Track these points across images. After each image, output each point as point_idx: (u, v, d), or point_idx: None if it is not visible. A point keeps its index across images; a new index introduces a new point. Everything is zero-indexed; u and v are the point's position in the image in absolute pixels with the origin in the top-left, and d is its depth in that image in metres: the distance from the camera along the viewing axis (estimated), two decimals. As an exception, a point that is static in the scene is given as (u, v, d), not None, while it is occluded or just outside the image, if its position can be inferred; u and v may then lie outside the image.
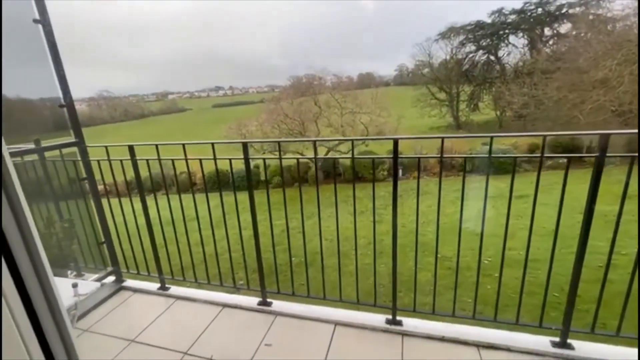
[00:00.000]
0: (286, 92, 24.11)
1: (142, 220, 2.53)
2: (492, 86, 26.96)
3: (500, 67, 27.59)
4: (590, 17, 19.88)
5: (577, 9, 22.64)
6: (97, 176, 2.55)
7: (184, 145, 2.14)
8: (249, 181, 2.14)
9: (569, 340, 1.82)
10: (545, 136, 1.61)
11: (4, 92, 2.08)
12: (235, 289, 2.50)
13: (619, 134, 1.54)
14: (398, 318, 2.09)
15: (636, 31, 14.86)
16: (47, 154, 2.37)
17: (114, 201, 2.67)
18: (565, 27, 23.93)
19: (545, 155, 1.61)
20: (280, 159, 2.19)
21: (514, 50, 27.22)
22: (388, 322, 2.09)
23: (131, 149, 2.29)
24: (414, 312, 2.13)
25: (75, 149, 2.41)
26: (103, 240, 2.69)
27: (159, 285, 2.66)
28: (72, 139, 2.37)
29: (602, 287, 1.75)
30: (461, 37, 28.33)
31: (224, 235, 2.38)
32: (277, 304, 2.36)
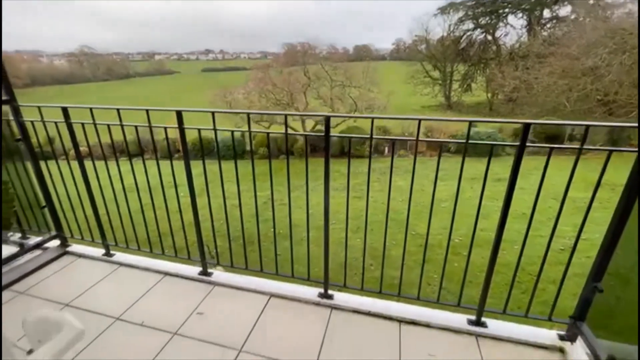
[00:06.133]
0: (278, 60, 23.28)
1: (82, 185, 2.46)
2: (487, 67, 26.64)
3: (496, 47, 27.11)
4: (591, 1, 19.43)
5: (579, -9, 22.06)
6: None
7: (118, 110, 2.04)
8: (185, 151, 2.08)
9: (483, 319, 1.91)
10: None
11: None
12: (177, 258, 2.51)
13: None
14: (330, 292, 2.15)
15: (634, 19, 14.63)
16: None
17: (61, 164, 2.57)
18: (564, 10, 23.41)
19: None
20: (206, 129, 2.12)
21: (512, 31, 26.66)
22: (320, 295, 2.15)
23: (65, 111, 2.17)
24: (345, 287, 2.19)
25: (7, 107, 2.28)
26: (44, 204, 2.63)
27: (104, 251, 2.65)
28: (2, 96, 2.23)
29: (515, 272, 1.82)
30: (460, 14, 27.48)
31: (169, 202, 2.34)
32: (217, 274, 2.40)
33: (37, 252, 2.70)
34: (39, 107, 2.24)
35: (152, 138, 2.05)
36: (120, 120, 2.08)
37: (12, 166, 2.54)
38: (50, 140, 2.46)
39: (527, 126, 1.46)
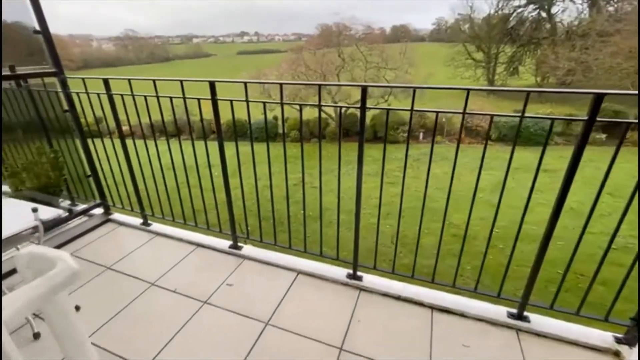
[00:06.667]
0: (312, 41, 22.87)
1: (124, 161, 2.56)
2: (538, 48, 24.38)
3: (551, 25, 24.62)
4: (671, -32, 16.87)
5: (657, -43, 19.18)
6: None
7: (154, 80, 2.05)
8: (218, 124, 2.06)
9: (525, 313, 1.76)
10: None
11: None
12: (209, 231, 2.56)
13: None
14: (359, 273, 2.09)
15: None
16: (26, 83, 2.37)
17: (105, 143, 2.70)
18: (637, -19, 20.54)
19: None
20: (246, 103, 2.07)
21: (571, 6, 23.97)
22: (349, 276, 2.09)
23: (106, 82, 2.23)
24: (374, 269, 2.11)
25: (54, 79, 2.39)
26: (89, 173, 2.78)
27: (142, 220, 2.77)
28: (50, 68, 2.34)
29: (567, 267, 1.64)
30: (511, -12, 25.10)
31: (203, 181, 2.37)
32: (247, 249, 2.42)
33: (84, 218, 2.88)
34: (83, 79, 2.33)
35: (185, 109, 2.05)
36: (157, 91, 2.10)
37: (62, 137, 2.70)
38: (97, 120, 2.56)
39: (599, 97, 1.25)
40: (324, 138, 17.14)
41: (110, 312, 1.89)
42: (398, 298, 1.95)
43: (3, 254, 2.11)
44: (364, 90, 1.59)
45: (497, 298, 1.84)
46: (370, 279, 2.07)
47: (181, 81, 1.99)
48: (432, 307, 1.88)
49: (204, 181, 2.32)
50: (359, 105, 1.66)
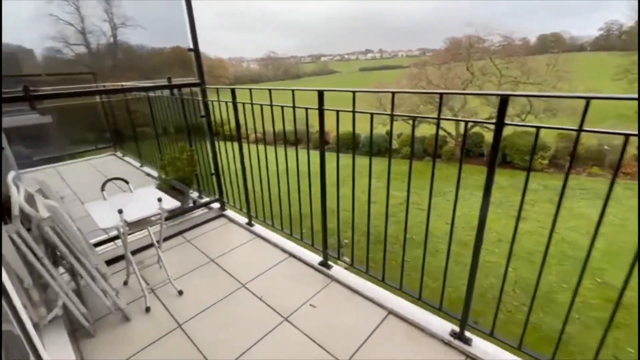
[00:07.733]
0: (438, 55, 21.66)
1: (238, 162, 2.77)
2: None
3: None
4: None
5: None
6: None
7: (270, 90, 2.13)
8: (322, 133, 1.97)
9: None
10: None
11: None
12: (302, 242, 2.50)
13: None
14: (467, 335, 1.63)
15: None
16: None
17: (230, 143, 3.03)
18: None
19: None
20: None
21: None
22: (453, 334, 1.66)
23: (232, 92, 2.46)
24: (491, 336, 1.60)
25: (198, 89, 2.79)
26: (213, 172, 3.14)
27: (247, 220, 2.95)
28: (196, 79, 2.74)
29: None
30: None
31: (305, 189, 2.35)
32: (337, 270, 2.24)
33: (205, 209, 3.28)
34: (217, 89, 2.64)
35: (294, 118, 2.05)
36: (271, 100, 2.17)
37: (197, 138, 3.14)
38: (223, 125, 2.92)
39: None
40: (439, 158, 15.86)
41: (204, 304, 2.00)
42: (523, 386, 1.42)
43: (138, 233, 2.54)
44: (504, 100, 1.20)
45: None
46: (483, 347, 1.58)
47: (292, 90, 1.99)
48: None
49: (304, 190, 2.28)
50: (492, 120, 1.27)
